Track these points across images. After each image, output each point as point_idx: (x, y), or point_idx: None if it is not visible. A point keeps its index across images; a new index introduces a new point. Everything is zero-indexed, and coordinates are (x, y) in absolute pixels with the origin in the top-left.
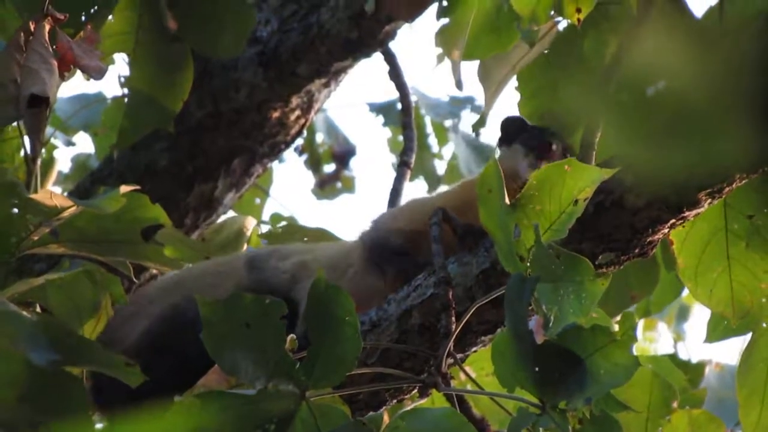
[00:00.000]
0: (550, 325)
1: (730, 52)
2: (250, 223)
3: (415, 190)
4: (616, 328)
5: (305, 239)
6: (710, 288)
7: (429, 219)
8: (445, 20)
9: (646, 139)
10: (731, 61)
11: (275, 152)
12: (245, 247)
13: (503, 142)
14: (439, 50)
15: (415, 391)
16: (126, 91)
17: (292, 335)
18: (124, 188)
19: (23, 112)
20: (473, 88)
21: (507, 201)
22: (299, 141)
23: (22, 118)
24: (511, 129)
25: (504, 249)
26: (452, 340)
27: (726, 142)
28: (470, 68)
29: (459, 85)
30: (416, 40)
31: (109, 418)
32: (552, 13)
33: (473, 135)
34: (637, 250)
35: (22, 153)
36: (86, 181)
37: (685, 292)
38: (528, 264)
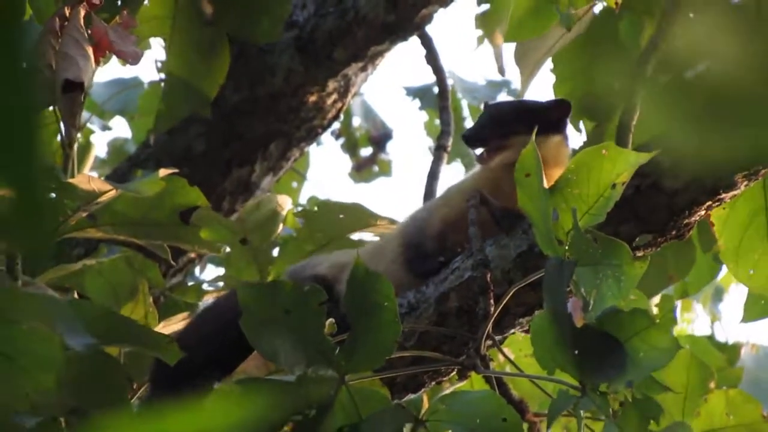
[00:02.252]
0: (589, 308)
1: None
2: (286, 202)
3: (453, 173)
4: (654, 309)
5: (341, 216)
6: (751, 268)
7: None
8: (485, 5)
9: (684, 121)
10: None
11: (312, 136)
12: (281, 227)
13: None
14: (479, 32)
15: (454, 373)
16: (162, 75)
17: (330, 319)
18: (163, 172)
19: (58, 98)
20: (509, 71)
21: (545, 185)
22: (336, 125)
23: (58, 103)
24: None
25: (542, 232)
26: (491, 323)
27: (763, 122)
28: (507, 51)
29: (502, 70)
30: (453, 24)
31: (146, 405)
32: None
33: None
34: (674, 232)
35: (59, 138)
36: (123, 166)
37: (721, 274)
38: (566, 247)
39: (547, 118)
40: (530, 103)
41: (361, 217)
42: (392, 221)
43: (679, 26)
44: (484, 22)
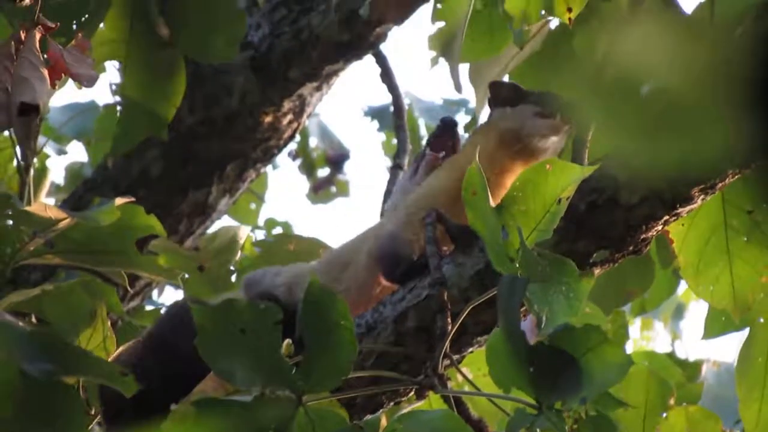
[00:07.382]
0: (542, 325)
1: (719, 46)
2: (243, 231)
3: None
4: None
5: (297, 248)
6: (712, 285)
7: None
8: (440, 23)
9: (638, 135)
10: (721, 55)
11: (268, 157)
12: (239, 254)
13: (499, 104)
14: (433, 53)
15: (412, 393)
16: (118, 98)
17: (288, 340)
18: (119, 200)
19: (14, 121)
20: (466, 90)
21: (491, 203)
22: (292, 145)
23: (13, 126)
24: (504, 92)
25: (494, 250)
26: (448, 341)
27: (717, 135)
28: (462, 70)
29: (458, 87)
30: (409, 44)
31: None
32: (543, 12)
33: (467, 137)
34: (631, 248)
35: (15, 163)
36: (80, 190)
37: (680, 290)
38: (518, 265)
39: None
40: None
41: (317, 249)
42: None
43: (630, 40)
44: (438, 41)
